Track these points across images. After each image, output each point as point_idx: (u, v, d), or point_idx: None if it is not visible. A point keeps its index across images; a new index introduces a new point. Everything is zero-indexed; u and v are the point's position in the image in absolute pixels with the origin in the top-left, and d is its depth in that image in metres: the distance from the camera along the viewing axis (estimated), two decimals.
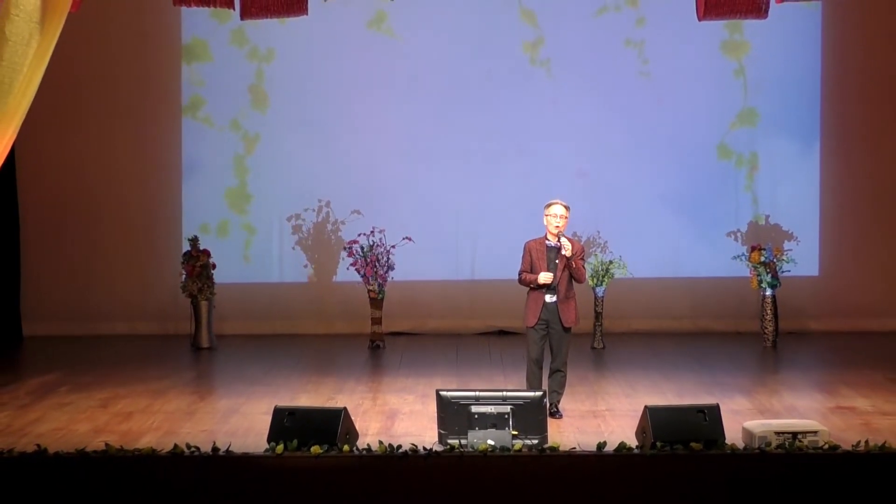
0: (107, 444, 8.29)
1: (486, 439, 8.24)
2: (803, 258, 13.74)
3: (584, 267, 9.81)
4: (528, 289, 9.62)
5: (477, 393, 8.59)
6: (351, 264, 13.46)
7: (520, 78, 14.36)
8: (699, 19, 10.12)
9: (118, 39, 14.29)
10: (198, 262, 13.45)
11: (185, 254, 13.62)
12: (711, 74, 14.36)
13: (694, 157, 14.40)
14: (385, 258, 13.34)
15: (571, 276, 9.58)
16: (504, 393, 8.63)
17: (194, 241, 13.58)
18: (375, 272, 13.28)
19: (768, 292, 13.24)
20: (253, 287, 14.43)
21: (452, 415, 8.46)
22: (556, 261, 9.50)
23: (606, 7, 13.97)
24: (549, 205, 9.56)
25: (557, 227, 9.49)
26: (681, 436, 8.15)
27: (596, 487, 8.00)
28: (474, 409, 8.43)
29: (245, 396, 10.58)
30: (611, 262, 13.37)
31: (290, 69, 14.40)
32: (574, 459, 8.11)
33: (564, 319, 9.54)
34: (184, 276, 13.54)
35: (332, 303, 14.48)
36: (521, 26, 14.35)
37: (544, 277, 9.45)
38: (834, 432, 8.61)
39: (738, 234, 14.33)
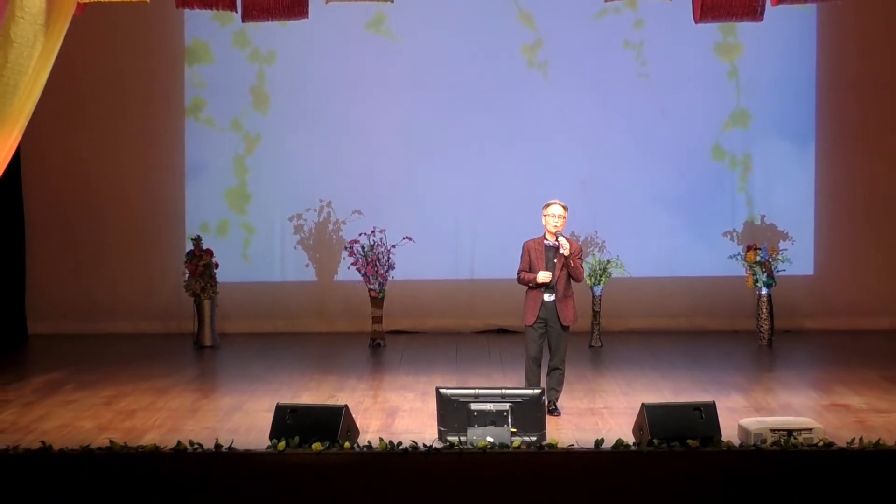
0: (111, 441, 8.32)
1: (485, 436, 8.26)
2: (798, 258, 13.80)
3: (582, 266, 9.83)
4: (526, 288, 9.64)
5: (476, 391, 8.60)
6: (352, 264, 13.47)
7: (518, 79, 14.38)
8: (696, 22, 10.08)
9: (121, 42, 14.32)
10: (201, 262, 13.46)
11: (189, 253, 13.64)
12: (706, 76, 14.38)
13: (690, 158, 14.42)
14: (385, 258, 13.35)
15: (570, 276, 9.60)
16: (503, 391, 8.65)
17: (197, 240, 13.60)
18: (376, 271, 13.29)
19: (764, 291, 13.25)
20: (255, 286, 14.45)
21: (452, 412, 8.48)
22: (555, 260, 9.52)
23: (606, 10, 13.97)
24: (548, 205, 9.59)
25: (556, 226, 9.51)
26: (677, 433, 8.17)
27: (593, 484, 8.01)
28: (474, 406, 8.45)
29: (247, 394, 10.60)
30: (608, 261, 13.40)
31: (291, 71, 14.42)
32: (572, 456, 8.12)
33: (563, 318, 9.56)
34: (187, 275, 13.56)
35: (334, 302, 14.51)
36: (520, 29, 14.37)
37: (543, 276, 9.48)
38: (829, 430, 8.64)
39: (734, 234, 14.36)
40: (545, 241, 9.61)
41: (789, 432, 8.25)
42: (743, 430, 8.49)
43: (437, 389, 8.67)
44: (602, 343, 13.32)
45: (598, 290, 13.39)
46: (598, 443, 8.25)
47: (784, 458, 8.05)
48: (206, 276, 13.48)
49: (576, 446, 8.30)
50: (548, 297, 9.56)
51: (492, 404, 8.48)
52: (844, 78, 14.35)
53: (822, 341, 13.70)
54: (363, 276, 13.42)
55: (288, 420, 8.36)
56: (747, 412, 9.59)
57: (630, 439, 8.39)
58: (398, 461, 8.07)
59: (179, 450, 8.17)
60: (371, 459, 8.12)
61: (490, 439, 8.23)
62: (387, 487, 8.04)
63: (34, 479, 8.01)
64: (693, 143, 14.44)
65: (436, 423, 8.65)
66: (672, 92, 14.36)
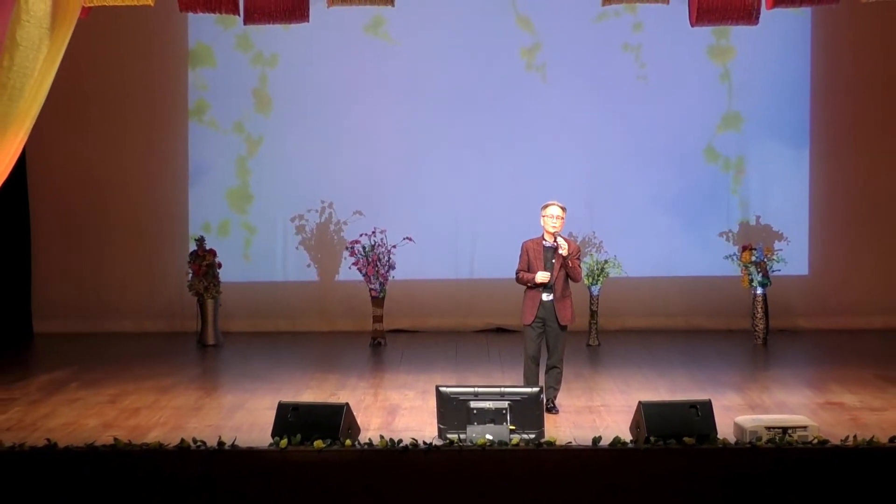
0: (115, 439, 8.35)
1: (484, 434, 8.29)
2: (793, 258, 13.81)
3: (580, 266, 9.88)
4: (525, 287, 9.70)
5: (476, 389, 8.63)
6: (353, 264, 13.50)
7: (516, 81, 14.41)
8: (692, 25, 10.13)
9: (126, 45, 14.35)
10: (204, 262, 13.48)
11: (192, 253, 13.66)
12: (700, 79, 14.40)
13: (685, 160, 14.45)
14: (386, 258, 13.38)
15: (568, 276, 9.64)
16: (502, 389, 8.67)
17: (200, 240, 13.63)
18: (377, 271, 13.32)
19: (759, 291, 13.29)
20: (258, 286, 14.47)
21: (452, 410, 8.50)
22: (553, 260, 9.56)
23: (606, 14, 13.98)
24: (546, 206, 9.63)
25: (555, 227, 9.55)
26: (674, 430, 8.21)
27: (591, 480, 8.04)
28: (473, 404, 8.48)
29: (250, 392, 10.62)
30: (606, 261, 13.41)
31: (293, 74, 14.44)
32: (570, 453, 8.14)
33: (561, 317, 9.60)
34: (190, 275, 13.60)
35: (335, 301, 14.54)
36: (518, 32, 14.40)
37: (542, 277, 9.51)
38: (823, 427, 8.67)
39: (730, 235, 14.38)
40: (543, 242, 9.65)
41: (784, 430, 8.28)
42: (738, 428, 8.53)
43: (437, 388, 8.70)
44: (599, 342, 13.34)
45: (595, 289, 13.40)
46: (596, 440, 8.26)
47: (779, 455, 8.06)
48: (210, 276, 13.50)
49: (574, 444, 8.29)
50: (546, 297, 9.60)
51: (491, 402, 8.51)
52: (839, 79, 14.36)
53: (816, 340, 13.70)
54: (364, 275, 13.44)
55: (290, 418, 8.40)
56: (743, 410, 9.63)
57: (627, 437, 8.45)
58: (398, 458, 8.09)
59: (183, 447, 8.18)
60: (372, 457, 8.14)
61: (489, 437, 8.27)
62: (387, 484, 8.06)
63: (40, 475, 8.02)
64: (688, 145, 14.47)
65: (436, 421, 8.66)
66: (668, 94, 14.38)
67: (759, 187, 14.52)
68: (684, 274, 14.42)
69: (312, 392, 10.72)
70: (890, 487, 8.01)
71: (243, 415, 9.72)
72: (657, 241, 14.39)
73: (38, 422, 9.44)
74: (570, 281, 9.73)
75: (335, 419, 8.36)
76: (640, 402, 8.56)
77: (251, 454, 8.17)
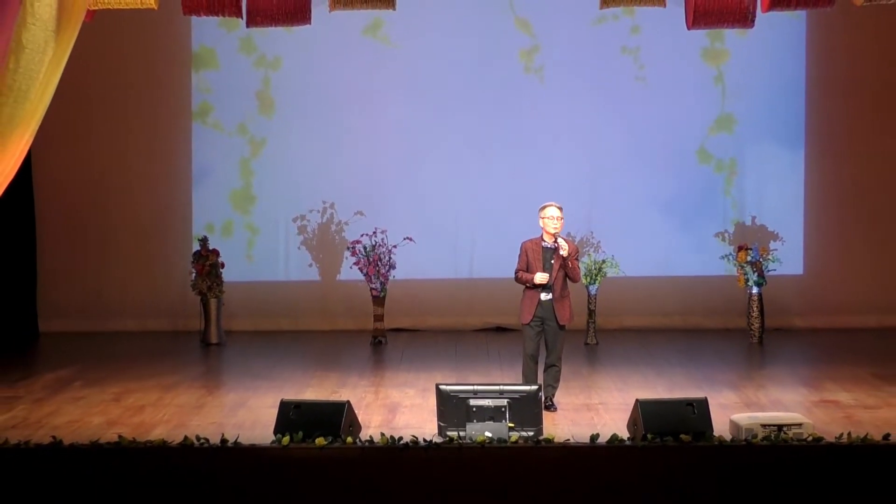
0: (119, 436, 8.39)
1: (483, 431, 8.32)
2: (788, 257, 13.86)
3: (578, 266, 9.92)
4: (524, 287, 9.75)
5: (475, 387, 8.68)
6: (354, 263, 13.55)
7: (515, 83, 14.44)
8: (688, 28, 10.13)
9: (130, 48, 14.38)
10: (207, 262, 13.51)
11: (195, 253, 13.69)
12: (695, 81, 14.43)
13: (680, 161, 14.48)
14: (387, 257, 13.42)
15: (566, 276, 9.69)
16: (501, 387, 8.73)
17: (204, 241, 13.67)
18: (378, 271, 13.36)
19: (755, 290, 13.30)
20: (260, 285, 14.50)
21: (452, 408, 8.54)
22: (552, 261, 9.61)
23: (604, 17, 14.00)
24: (544, 207, 9.69)
25: (555, 228, 9.60)
26: (671, 428, 8.23)
27: (589, 477, 8.07)
28: (473, 402, 8.52)
29: (252, 390, 10.66)
30: (604, 261, 13.44)
31: (295, 76, 14.47)
32: (568, 451, 8.18)
33: (559, 317, 9.65)
34: (194, 274, 13.63)
35: (336, 300, 14.57)
36: (517, 34, 14.43)
37: (540, 278, 9.56)
38: (818, 425, 8.72)
39: (726, 235, 14.41)
40: (543, 243, 9.70)
41: (779, 427, 8.33)
42: (734, 426, 8.58)
43: (437, 386, 8.75)
44: (597, 341, 13.37)
45: (593, 289, 13.42)
46: (594, 437, 8.30)
47: (774, 452, 8.09)
48: (213, 276, 13.53)
49: (572, 441, 8.34)
50: (544, 297, 9.65)
51: (490, 400, 8.54)
52: (834, 81, 14.37)
53: (811, 339, 13.72)
54: (365, 275, 13.49)
55: (292, 415, 8.43)
56: (738, 408, 9.66)
57: (625, 434, 8.47)
58: (399, 456, 8.12)
59: (186, 444, 8.22)
60: (372, 454, 8.16)
61: (488, 434, 8.30)
62: (388, 481, 8.09)
63: (45, 472, 8.07)
64: (682, 146, 14.50)
65: (436, 419, 8.71)
66: (665, 97, 14.41)
67: (754, 188, 14.56)
68: (681, 274, 14.44)
69: (314, 390, 10.74)
70: (883, 484, 8.04)
71: (246, 412, 9.76)
72: (655, 241, 14.42)
73: (43, 419, 9.47)
74: (568, 281, 9.77)
75: (336, 417, 8.38)
76: (637, 400, 8.58)
77: (253, 451, 8.21)
